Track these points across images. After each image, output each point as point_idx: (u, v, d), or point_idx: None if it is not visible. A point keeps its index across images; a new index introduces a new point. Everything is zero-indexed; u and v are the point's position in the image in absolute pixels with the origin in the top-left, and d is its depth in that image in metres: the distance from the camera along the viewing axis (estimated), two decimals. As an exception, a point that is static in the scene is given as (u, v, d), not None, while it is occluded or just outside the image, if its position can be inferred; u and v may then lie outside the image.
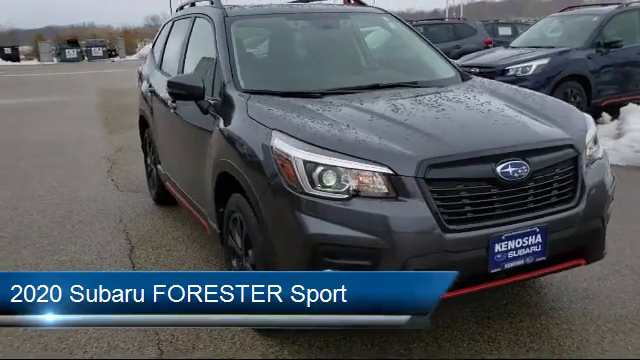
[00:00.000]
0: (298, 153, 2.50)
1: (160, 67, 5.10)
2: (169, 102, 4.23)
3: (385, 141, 2.52)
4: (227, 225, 3.24)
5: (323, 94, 3.25)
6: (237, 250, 3.15)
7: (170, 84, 3.54)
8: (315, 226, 2.41)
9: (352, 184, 2.42)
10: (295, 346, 2.91)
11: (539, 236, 2.54)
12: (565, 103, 3.39)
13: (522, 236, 2.50)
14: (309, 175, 2.46)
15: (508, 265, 2.52)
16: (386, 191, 2.40)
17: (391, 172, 2.39)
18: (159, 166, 5.05)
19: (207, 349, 2.95)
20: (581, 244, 2.73)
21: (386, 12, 4.34)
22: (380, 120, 2.78)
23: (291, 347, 2.91)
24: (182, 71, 4.30)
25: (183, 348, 2.96)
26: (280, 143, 2.60)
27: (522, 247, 2.52)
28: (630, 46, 8.97)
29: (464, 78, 3.72)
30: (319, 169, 2.45)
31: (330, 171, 2.44)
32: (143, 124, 5.55)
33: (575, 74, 8.62)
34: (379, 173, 2.40)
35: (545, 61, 8.46)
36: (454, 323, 3.04)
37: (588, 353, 2.76)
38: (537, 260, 2.58)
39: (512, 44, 10.15)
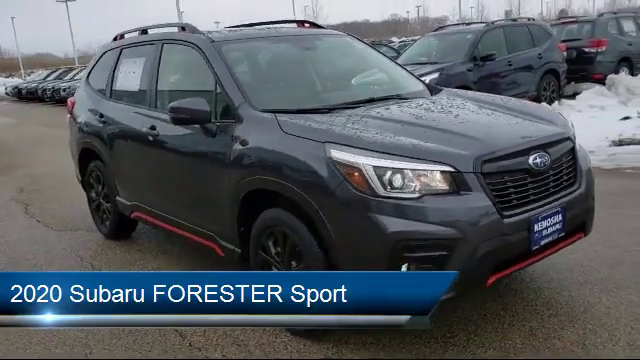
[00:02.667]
0: (366, 160, 2.71)
1: (110, 96, 4.95)
2: (145, 130, 4.18)
3: (435, 144, 2.83)
4: (258, 242, 3.33)
5: (330, 110, 3.48)
6: (274, 263, 3.26)
7: (174, 109, 3.55)
8: (394, 224, 2.63)
9: (417, 184, 2.70)
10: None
11: (560, 215, 3.00)
12: (542, 105, 3.96)
13: (551, 216, 2.94)
14: (380, 179, 2.69)
15: (543, 242, 2.93)
16: (447, 187, 2.71)
17: (454, 170, 2.70)
18: (118, 198, 4.88)
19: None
20: (583, 219, 3.24)
21: (349, 34, 4.69)
22: (411, 127, 3.07)
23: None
24: (156, 99, 4.27)
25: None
26: (340, 154, 2.79)
27: (551, 225, 2.95)
28: (500, 58, 10.22)
29: (434, 90, 4.15)
30: (388, 173, 2.69)
31: (398, 174, 2.69)
32: (87, 157, 5.31)
33: (460, 85, 9.57)
34: (441, 172, 2.70)
35: (435, 75, 9.33)
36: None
37: (596, 311, 3.26)
38: (559, 236, 3.04)
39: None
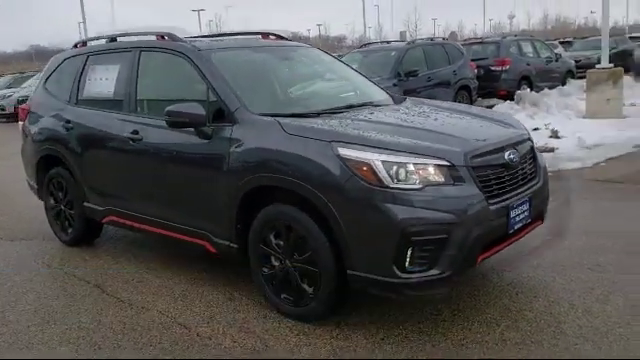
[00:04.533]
0: (375, 156, 3.06)
1: (77, 103, 4.97)
2: (125, 134, 4.29)
3: (430, 142, 3.23)
4: (258, 236, 3.57)
5: (319, 114, 3.80)
6: (275, 255, 3.51)
7: (171, 113, 3.72)
8: (403, 212, 2.99)
9: (418, 177, 3.08)
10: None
11: (527, 204, 3.50)
12: (496, 111, 4.49)
13: (521, 204, 3.43)
14: (388, 172, 3.04)
15: (516, 227, 3.41)
16: (443, 179, 3.11)
17: (449, 164, 3.11)
18: (87, 204, 4.89)
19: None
20: (542, 208, 3.77)
21: (315, 47, 5.05)
22: (402, 129, 3.46)
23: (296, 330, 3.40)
24: (136, 105, 4.39)
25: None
26: (348, 151, 3.12)
27: (522, 212, 3.44)
28: (422, 74, 11.00)
29: (398, 98, 4.59)
30: (395, 167, 3.05)
31: (402, 168, 3.06)
32: (47, 165, 5.26)
33: (388, 99, 10.25)
34: (439, 165, 3.10)
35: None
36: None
37: (553, 287, 3.80)
38: (526, 222, 3.54)
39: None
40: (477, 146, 3.30)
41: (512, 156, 3.40)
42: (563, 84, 15.71)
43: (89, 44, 5.29)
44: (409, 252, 3.03)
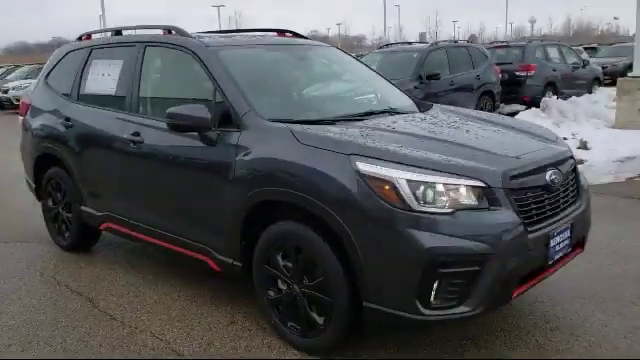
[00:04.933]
0: (399, 174, 2.67)
1: (78, 99, 4.64)
2: (126, 136, 3.95)
3: (463, 159, 2.83)
4: (263, 255, 3.20)
5: (335, 121, 3.43)
6: (281, 277, 3.14)
7: (173, 115, 3.37)
8: (430, 240, 2.59)
9: (448, 199, 2.68)
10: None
11: (568, 231, 3.08)
12: (535, 123, 4.08)
13: (562, 231, 3.02)
14: (414, 193, 2.65)
15: (556, 257, 3.00)
16: (477, 202, 2.71)
17: (484, 185, 2.71)
18: (85, 208, 4.56)
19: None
20: (583, 235, 3.36)
21: (334, 46, 4.66)
22: (430, 141, 3.07)
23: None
24: (138, 104, 4.04)
25: None
26: (368, 166, 2.73)
27: (562, 241, 3.03)
28: (444, 78, 10.56)
29: (424, 105, 4.19)
30: (422, 187, 2.66)
31: (430, 188, 2.67)
32: (45, 163, 4.94)
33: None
34: (472, 186, 2.70)
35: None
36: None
37: (593, 324, 3.38)
38: (567, 251, 3.13)
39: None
40: (516, 165, 2.89)
41: (554, 177, 2.99)
42: (590, 92, 15.18)
43: (94, 37, 4.96)
44: (435, 286, 2.64)
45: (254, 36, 4.51)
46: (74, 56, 4.88)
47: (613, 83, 20.34)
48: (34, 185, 5.20)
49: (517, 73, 13.36)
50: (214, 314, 3.64)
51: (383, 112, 3.80)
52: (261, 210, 3.21)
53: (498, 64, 13.10)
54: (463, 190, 2.70)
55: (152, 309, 3.76)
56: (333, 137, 3.00)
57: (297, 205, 3.00)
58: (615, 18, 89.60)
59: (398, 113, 3.82)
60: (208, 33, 4.57)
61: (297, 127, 3.15)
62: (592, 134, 9.36)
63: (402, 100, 4.25)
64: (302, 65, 4.19)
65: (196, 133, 3.43)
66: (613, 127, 10.41)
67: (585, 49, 28.43)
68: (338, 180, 2.81)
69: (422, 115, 3.78)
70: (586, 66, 15.44)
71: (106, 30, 4.86)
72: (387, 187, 2.68)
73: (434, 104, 4.27)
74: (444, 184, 2.68)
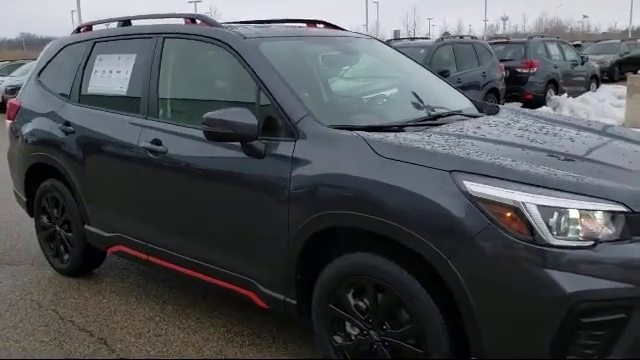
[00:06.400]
0: (527, 197, 2.10)
1: (79, 100, 3.98)
2: (143, 144, 3.32)
3: (592, 176, 2.27)
4: (328, 293, 2.61)
5: (400, 127, 2.85)
6: (353, 321, 2.56)
7: (211, 121, 2.75)
8: (571, 282, 2.03)
9: (583, 228, 2.13)
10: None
11: None
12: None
13: None
14: (546, 222, 2.08)
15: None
16: (615, 231, 2.16)
17: (627, 210, 2.16)
18: (89, 227, 3.91)
19: None
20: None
21: (375, 39, 4.07)
22: (537, 153, 2.51)
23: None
24: (157, 106, 3.41)
25: None
26: (481, 187, 2.16)
27: None
28: (452, 75, 10.06)
29: (488, 107, 3.63)
30: (555, 214, 2.10)
31: (564, 215, 2.11)
32: (41, 175, 4.27)
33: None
34: (611, 212, 2.15)
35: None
36: None
37: None
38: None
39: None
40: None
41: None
42: (587, 89, 14.87)
43: (95, 29, 4.30)
44: (574, 339, 2.08)
45: (287, 27, 3.89)
46: (72, 50, 4.21)
47: (609, 80, 20.27)
48: (25, 199, 4.51)
49: (519, 70, 12.97)
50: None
51: (451, 115, 3.24)
52: (324, 238, 2.62)
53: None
54: (600, 216, 2.15)
55: (181, 350, 3.14)
56: (424, 148, 2.42)
57: (376, 234, 2.41)
58: (585, 16, 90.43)
59: (469, 116, 3.26)
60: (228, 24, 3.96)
61: (372, 135, 2.56)
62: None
63: (461, 100, 3.69)
64: (352, 60, 3.60)
65: (238, 143, 2.82)
66: (623, 125, 10.06)
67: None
68: (437, 204, 2.23)
69: (497, 118, 3.22)
70: (584, 63, 15.13)
71: (111, 20, 4.20)
72: (509, 214, 2.11)
73: (499, 105, 3.72)
74: (579, 210, 2.12)
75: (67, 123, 3.94)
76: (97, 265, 4.31)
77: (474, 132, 2.78)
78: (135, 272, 4.31)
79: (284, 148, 2.72)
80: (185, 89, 3.50)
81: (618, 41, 26.93)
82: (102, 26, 4.35)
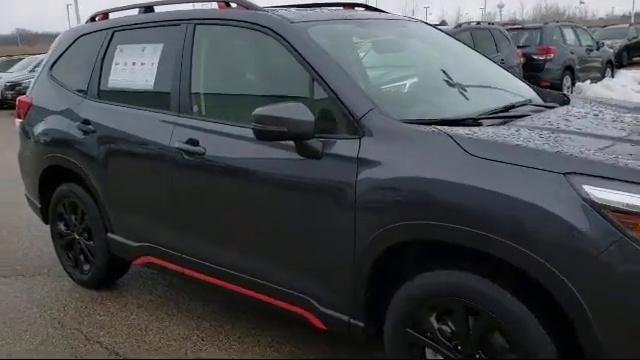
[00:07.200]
0: None
1: (99, 96, 3.61)
2: (177, 145, 2.95)
3: None
4: (406, 317, 2.25)
5: (475, 120, 2.49)
6: (436, 347, 2.21)
7: (264, 119, 2.37)
8: None
9: None
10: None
11: None
12: None
13: None
14: None
15: None
16: None
17: None
18: (113, 236, 3.55)
19: None
20: None
21: (424, 22, 3.69)
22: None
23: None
24: (190, 102, 3.04)
25: None
26: (607, 193, 1.80)
27: None
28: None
29: (556, 97, 3.26)
30: (701, 226, 1.74)
31: None
32: (55, 178, 3.91)
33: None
34: None
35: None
36: None
37: None
38: None
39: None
40: None
41: None
42: (603, 75, 14.49)
43: (111, 16, 3.91)
44: None
45: (328, 11, 3.50)
46: (88, 41, 3.83)
47: (618, 66, 19.87)
48: (39, 205, 4.15)
49: (535, 57, 12.56)
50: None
51: (522, 105, 2.87)
52: (397, 252, 2.26)
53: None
54: None
55: (226, 378, 2.80)
56: (527, 146, 2.06)
57: (469, 248, 2.05)
58: (581, 2, 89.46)
59: (541, 106, 2.89)
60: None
61: (458, 131, 2.19)
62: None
63: (524, 88, 3.31)
64: (408, 45, 3.21)
65: (291, 142, 2.46)
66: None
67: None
68: (550, 212, 1.86)
69: (578, 109, 2.84)
70: (600, 48, 14.73)
71: (131, 7, 3.81)
72: None
73: (569, 95, 3.35)
74: None
75: (86, 121, 3.57)
76: (120, 275, 3.96)
77: (566, 125, 2.41)
78: (162, 283, 3.95)
79: (346, 147, 2.36)
80: (222, 82, 3.12)
81: (626, 25, 26.53)
82: (119, 14, 3.96)
